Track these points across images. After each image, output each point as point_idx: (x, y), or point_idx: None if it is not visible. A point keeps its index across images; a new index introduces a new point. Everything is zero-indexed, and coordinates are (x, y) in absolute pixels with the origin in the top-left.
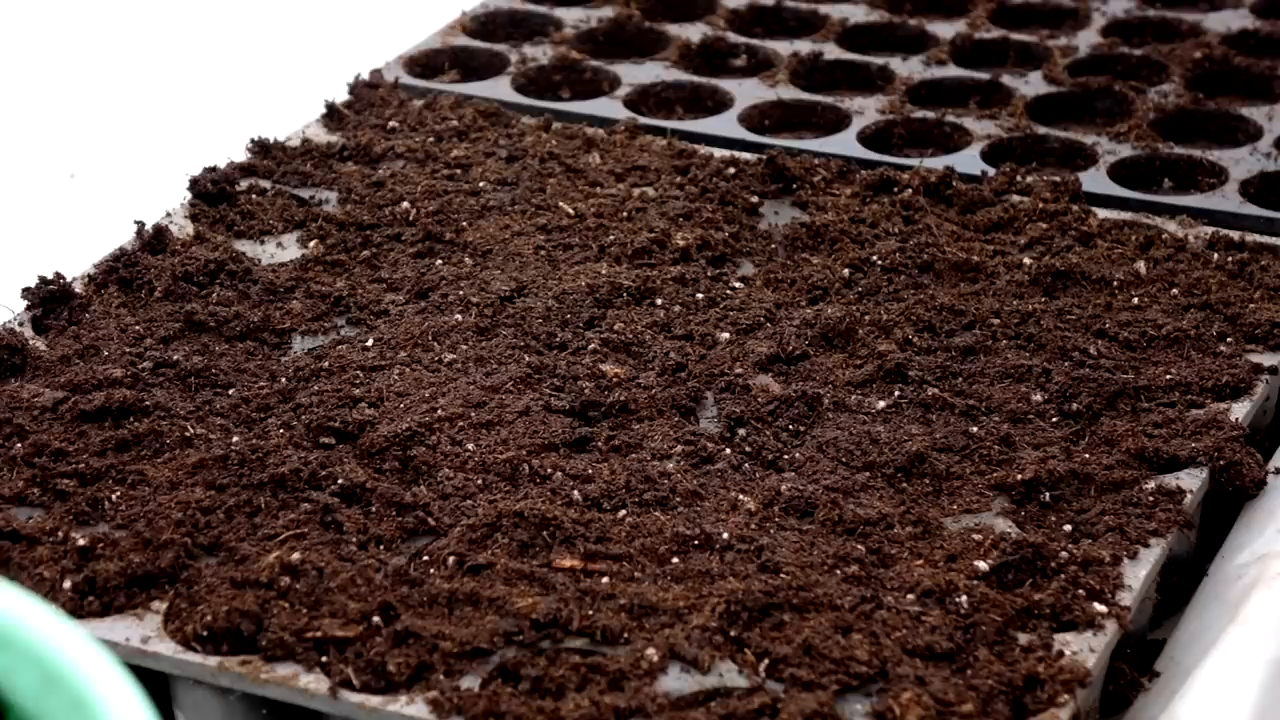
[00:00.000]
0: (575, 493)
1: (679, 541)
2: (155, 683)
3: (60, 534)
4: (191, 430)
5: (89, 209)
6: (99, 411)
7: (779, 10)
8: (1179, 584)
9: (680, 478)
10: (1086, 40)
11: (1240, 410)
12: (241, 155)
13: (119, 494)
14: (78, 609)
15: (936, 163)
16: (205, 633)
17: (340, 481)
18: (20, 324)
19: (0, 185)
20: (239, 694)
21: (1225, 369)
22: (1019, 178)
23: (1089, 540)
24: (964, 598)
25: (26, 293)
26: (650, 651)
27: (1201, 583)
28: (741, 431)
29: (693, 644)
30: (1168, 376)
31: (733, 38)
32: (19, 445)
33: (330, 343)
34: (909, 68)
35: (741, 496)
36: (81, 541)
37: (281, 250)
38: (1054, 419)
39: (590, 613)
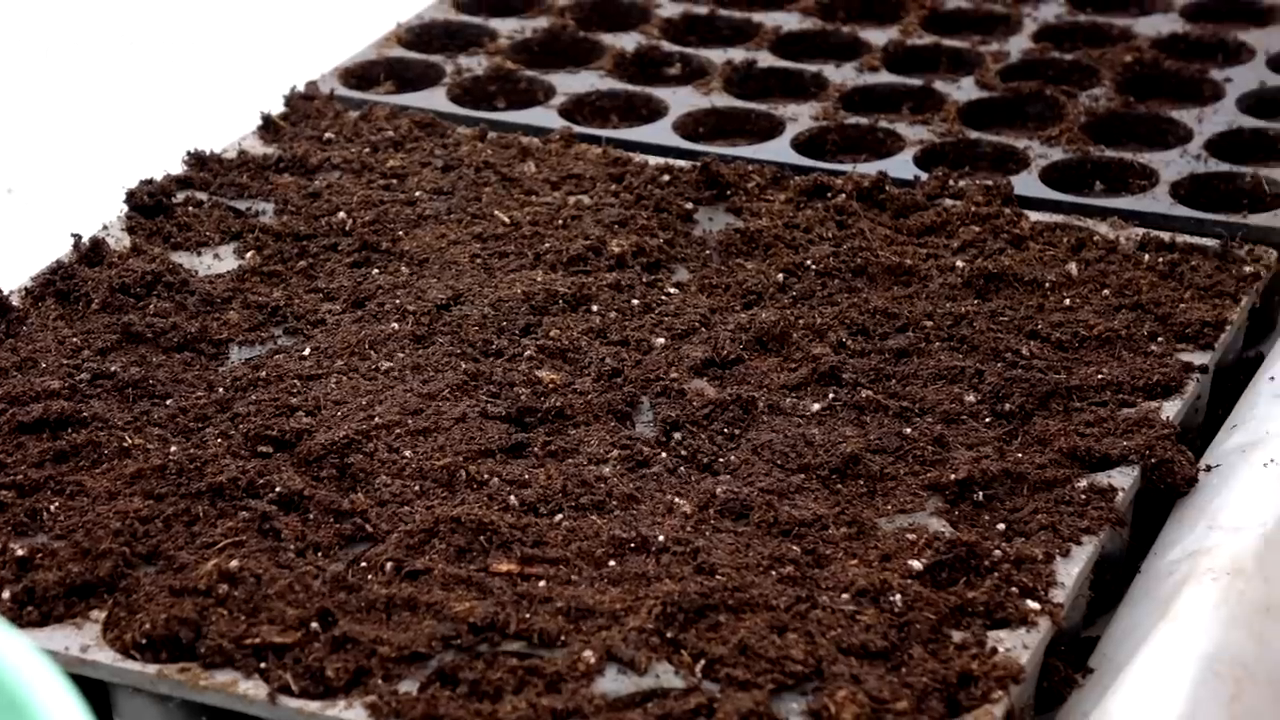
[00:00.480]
0: (512, 498)
1: (615, 545)
2: (95, 691)
3: None
4: (129, 440)
5: (26, 223)
6: (37, 423)
7: (713, 19)
8: (1112, 582)
9: (616, 482)
10: (1018, 46)
11: (1171, 409)
12: (178, 168)
13: (57, 504)
14: (17, 618)
15: (869, 168)
16: (144, 640)
17: (278, 489)
18: None
19: None
20: (178, 701)
21: (1156, 368)
22: (951, 182)
23: (1022, 539)
24: (898, 596)
25: None
26: (587, 653)
27: (1134, 580)
28: (677, 435)
29: (629, 645)
30: (1099, 376)
31: (667, 46)
32: None
33: (267, 352)
34: (842, 74)
35: (677, 499)
36: (20, 552)
37: (218, 261)
38: (987, 419)
39: (527, 616)
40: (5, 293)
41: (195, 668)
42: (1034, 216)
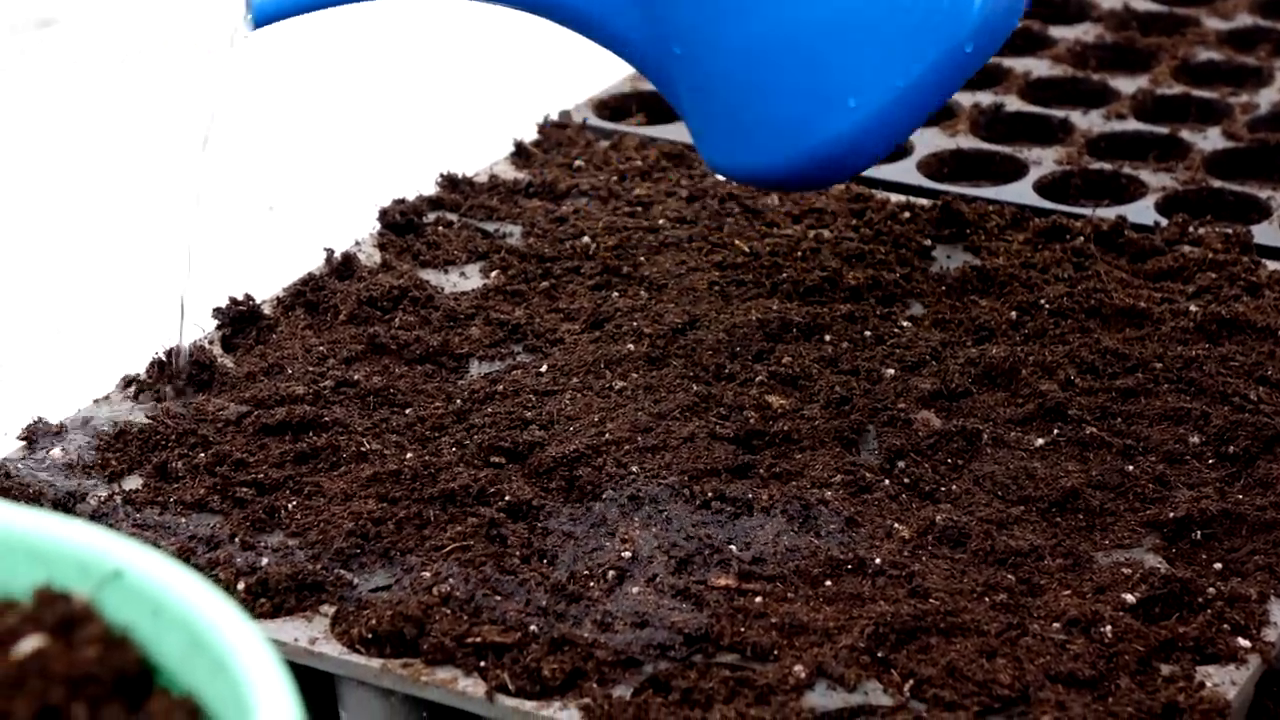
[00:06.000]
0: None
1: (832, 565)
2: (322, 682)
3: (237, 539)
4: (368, 446)
5: (285, 239)
6: (280, 425)
7: None
8: None
9: (838, 505)
10: (1268, 98)
11: None
12: (431, 189)
13: (295, 503)
14: (250, 609)
15: (1110, 212)
16: (370, 636)
17: (507, 498)
18: (210, 342)
19: (206, 217)
20: (400, 695)
21: None
22: (1191, 229)
23: (1238, 578)
24: (1109, 628)
25: (216, 312)
26: (798, 668)
27: None
28: (901, 464)
29: (840, 662)
30: None
31: None
32: (202, 455)
33: (506, 368)
34: (1089, 121)
35: (897, 525)
36: (257, 546)
37: (464, 280)
38: (1210, 460)
39: (742, 630)
40: (257, 301)
41: (418, 664)
42: (1272, 265)
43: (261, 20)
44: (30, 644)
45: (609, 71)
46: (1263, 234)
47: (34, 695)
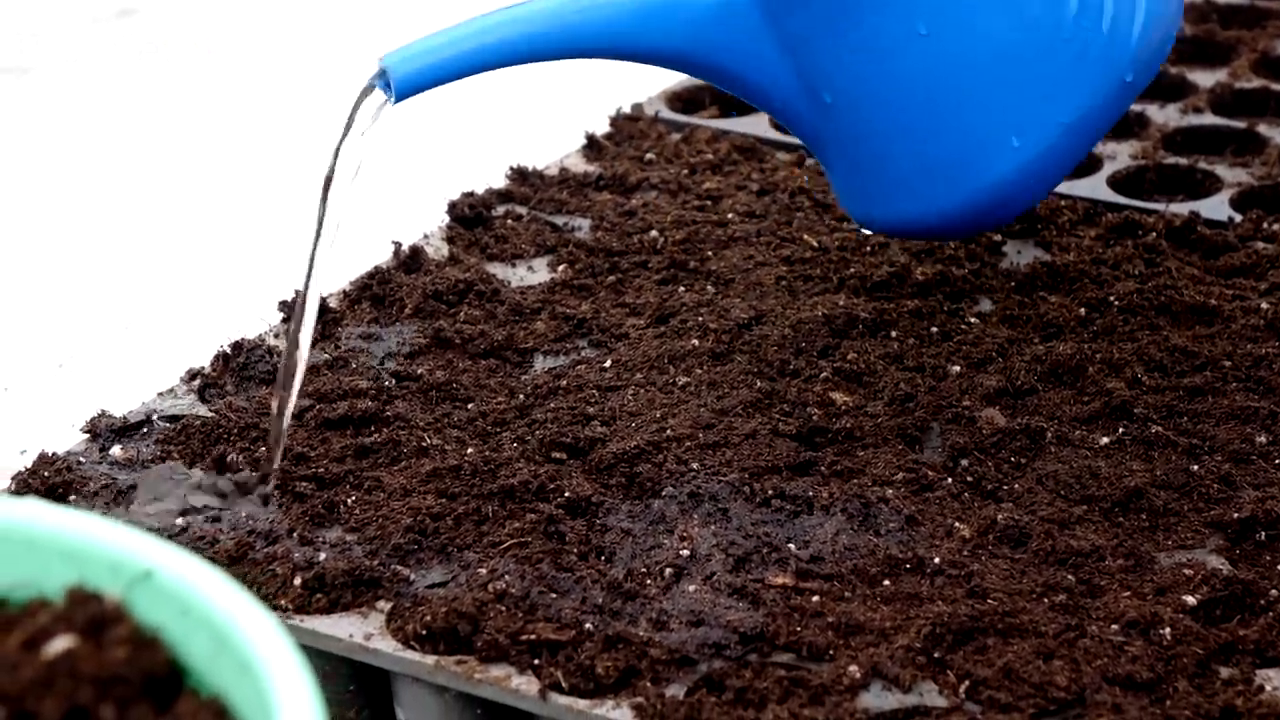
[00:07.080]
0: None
1: (891, 564)
2: (380, 678)
3: (295, 534)
4: (429, 441)
5: (354, 231)
6: (341, 419)
7: None
8: None
9: (899, 503)
10: None
11: None
12: (501, 182)
13: (354, 498)
14: (305, 605)
15: (1183, 208)
16: (424, 632)
17: (567, 494)
18: (275, 335)
19: (271, 211)
20: (454, 693)
21: None
22: (1265, 225)
23: None
24: (1168, 630)
25: (282, 305)
26: (853, 668)
27: None
28: (964, 462)
29: (895, 663)
30: None
31: None
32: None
33: (570, 363)
34: (1165, 115)
35: (957, 524)
36: (314, 541)
37: (531, 273)
38: (1277, 461)
39: (798, 629)
40: (323, 295)
41: (472, 661)
42: None
43: (405, 94)
44: (60, 644)
45: None
46: None
47: (63, 695)
